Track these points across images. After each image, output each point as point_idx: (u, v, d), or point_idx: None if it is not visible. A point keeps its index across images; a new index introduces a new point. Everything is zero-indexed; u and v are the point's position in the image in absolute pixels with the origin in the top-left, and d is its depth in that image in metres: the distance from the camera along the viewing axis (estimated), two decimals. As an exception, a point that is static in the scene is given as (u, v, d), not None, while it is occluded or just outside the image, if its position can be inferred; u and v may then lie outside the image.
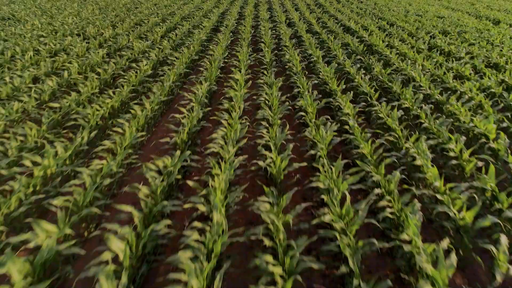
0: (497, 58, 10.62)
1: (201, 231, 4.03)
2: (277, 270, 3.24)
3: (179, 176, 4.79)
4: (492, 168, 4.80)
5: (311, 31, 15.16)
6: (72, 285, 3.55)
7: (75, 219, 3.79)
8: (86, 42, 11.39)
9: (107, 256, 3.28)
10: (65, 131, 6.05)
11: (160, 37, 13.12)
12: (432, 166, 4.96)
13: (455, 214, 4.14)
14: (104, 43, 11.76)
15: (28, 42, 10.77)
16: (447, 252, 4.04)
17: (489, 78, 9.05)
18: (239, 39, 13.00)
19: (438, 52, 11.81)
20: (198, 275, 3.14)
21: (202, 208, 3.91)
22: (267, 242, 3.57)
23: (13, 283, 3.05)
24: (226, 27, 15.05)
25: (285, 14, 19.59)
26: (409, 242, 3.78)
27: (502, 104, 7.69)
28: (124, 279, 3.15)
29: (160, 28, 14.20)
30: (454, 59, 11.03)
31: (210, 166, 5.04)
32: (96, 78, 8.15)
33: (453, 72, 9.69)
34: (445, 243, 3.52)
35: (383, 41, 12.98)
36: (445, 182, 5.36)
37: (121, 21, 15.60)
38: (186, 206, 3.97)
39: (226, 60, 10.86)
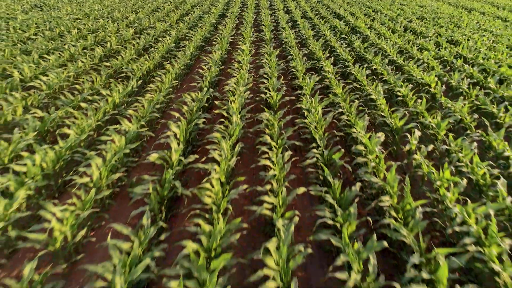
0: (458, 36, 12.55)
1: (226, 127, 6.05)
2: (273, 143, 5.26)
3: (206, 104, 6.79)
4: (424, 99, 6.81)
5: (305, 16, 17.05)
6: (150, 149, 5.58)
7: (144, 120, 5.81)
8: (117, 24, 13.31)
9: (169, 133, 5.30)
10: (119, 79, 8.04)
11: (176, 20, 15.04)
12: (383, 98, 6.96)
13: (391, 122, 6.15)
14: (130, 25, 13.68)
15: (70, 23, 12.70)
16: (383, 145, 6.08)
17: (445, 49, 11.02)
18: (243, 23, 14.90)
19: (411, 32, 13.73)
20: (226, 142, 5.15)
21: (225, 114, 5.93)
22: (267, 131, 5.59)
23: (116, 144, 5.07)
24: (231, 13, 16.93)
25: (283, 3, 21.43)
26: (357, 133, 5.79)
27: (449, 67, 9.67)
28: (181, 146, 5.17)
29: (175, 13, 16.11)
30: (422, 37, 12.98)
31: (228, 99, 7.04)
32: (132, 48, 10.11)
33: (418, 46, 11.64)
34: (379, 134, 5.53)
35: (366, 24, 14.89)
36: (390, 109, 7.37)
37: (140, 8, 17.48)
38: (216, 111, 5.97)
39: (233, 38, 12.80)
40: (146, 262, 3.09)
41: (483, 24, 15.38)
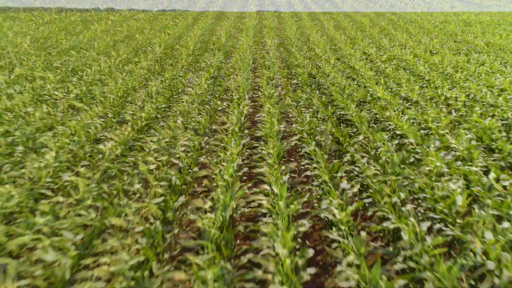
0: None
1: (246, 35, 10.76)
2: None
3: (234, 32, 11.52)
4: (355, 28, 11.52)
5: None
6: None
7: (204, 30, 10.53)
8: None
9: (219, 33, 10.04)
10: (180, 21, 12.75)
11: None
12: (332, 27, 11.64)
13: (333, 34, 10.87)
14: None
15: None
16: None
17: (382, 16, 15.63)
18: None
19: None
20: (246, 39, 9.88)
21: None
22: (266, 34, 10.32)
23: (195, 33, 9.80)
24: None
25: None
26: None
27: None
28: (225, 38, 9.90)
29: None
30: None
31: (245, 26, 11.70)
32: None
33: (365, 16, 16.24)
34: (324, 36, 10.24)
35: (338, -1, 19.44)
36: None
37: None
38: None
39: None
40: (217, 57, 7.90)
41: None
